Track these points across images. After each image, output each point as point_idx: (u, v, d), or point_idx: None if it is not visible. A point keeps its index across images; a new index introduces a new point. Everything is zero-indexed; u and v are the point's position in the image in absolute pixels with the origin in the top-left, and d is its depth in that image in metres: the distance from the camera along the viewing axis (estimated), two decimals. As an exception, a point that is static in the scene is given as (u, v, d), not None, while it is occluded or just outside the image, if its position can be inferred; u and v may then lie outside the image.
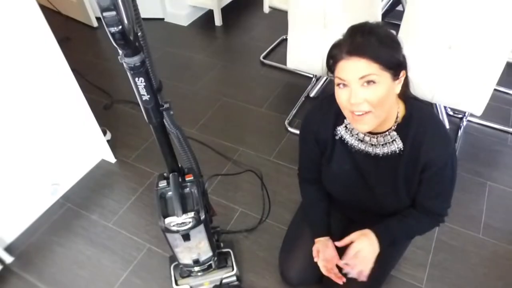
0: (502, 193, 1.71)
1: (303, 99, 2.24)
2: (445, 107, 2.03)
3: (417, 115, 1.00)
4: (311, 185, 1.27)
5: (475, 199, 1.69)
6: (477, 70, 1.49)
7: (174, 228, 1.05)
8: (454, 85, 1.56)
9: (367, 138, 1.05)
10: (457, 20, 1.41)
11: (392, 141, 1.01)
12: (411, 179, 1.05)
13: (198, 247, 1.20)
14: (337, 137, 1.09)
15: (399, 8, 2.16)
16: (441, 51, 1.50)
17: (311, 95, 2.27)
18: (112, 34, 0.69)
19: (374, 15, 1.57)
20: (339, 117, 1.07)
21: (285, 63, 1.99)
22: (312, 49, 1.79)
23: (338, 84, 0.92)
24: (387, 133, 1.01)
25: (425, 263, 1.47)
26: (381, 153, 1.04)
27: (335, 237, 1.18)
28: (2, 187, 1.51)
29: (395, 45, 0.89)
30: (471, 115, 2.03)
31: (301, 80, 2.40)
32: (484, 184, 1.74)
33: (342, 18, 1.62)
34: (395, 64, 0.89)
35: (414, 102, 1.02)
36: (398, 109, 1.00)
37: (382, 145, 1.03)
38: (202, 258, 1.26)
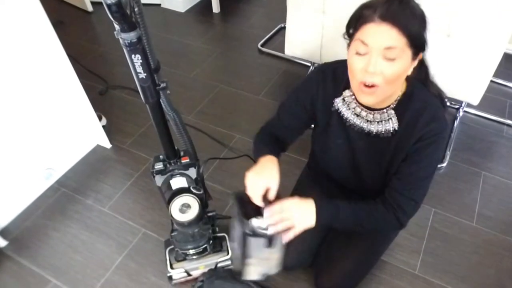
0: (496, 183, 1.72)
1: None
2: (442, 97, 2.03)
3: (419, 94, 0.97)
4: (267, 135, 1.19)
5: (470, 188, 1.70)
6: (475, 59, 1.50)
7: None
8: (452, 73, 1.56)
9: (363, 113, 1.02)
10: (456, 9, 1.40)
11: (388, 120, 0.99)
12: (397, 160, 1.03)
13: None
14: (333, 109, 1.06)
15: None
16: (439, 39, 1.49)
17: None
18: (108, 6, 0.68)
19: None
20: (338, 89, 1.04)
21: (283, 51, 1.98)
22: (310, 36, 1.78)
23: (357, 52, 0.87)
24: (384, 110, 0.99)
25: (418, 249, 1.48)
26: (374, 131, 1.02)
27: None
28: (-4, 170, 1.50)
29: (424, 24, 0.87)
30: (468, 105, 2.03)
31: (299, 68, 2.38)
32: (479, 174, 1.75)
33: (341, 4, 1.61)
34: (420, 42, 0.87)
35: (416, 82, 0.99)
36: (401, 88, 0.98)
37: (378, 122, 1.01)
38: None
